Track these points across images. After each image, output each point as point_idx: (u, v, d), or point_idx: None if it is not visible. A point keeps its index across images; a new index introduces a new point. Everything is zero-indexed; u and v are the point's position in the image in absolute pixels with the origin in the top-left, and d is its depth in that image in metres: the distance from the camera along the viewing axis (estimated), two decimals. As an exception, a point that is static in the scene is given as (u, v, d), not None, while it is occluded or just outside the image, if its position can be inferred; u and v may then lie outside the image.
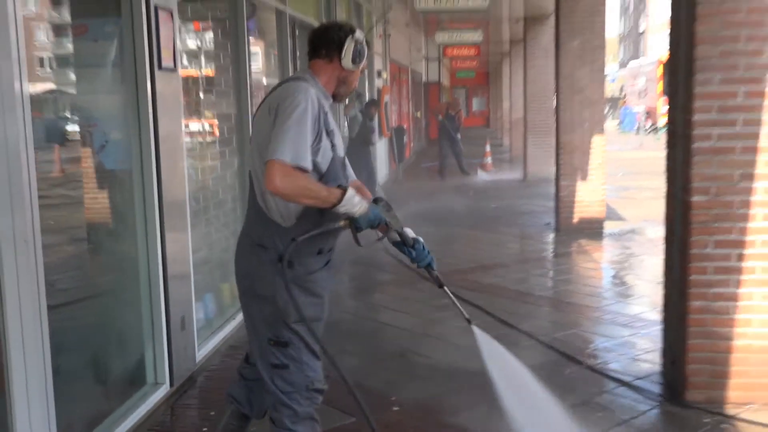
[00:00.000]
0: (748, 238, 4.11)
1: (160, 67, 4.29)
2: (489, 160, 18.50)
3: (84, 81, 4.29)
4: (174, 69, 4.51)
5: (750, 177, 4.06)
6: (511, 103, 23.01)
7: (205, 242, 5.68)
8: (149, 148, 4.24)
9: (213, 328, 5.47)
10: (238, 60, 6.14)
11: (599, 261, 8.72)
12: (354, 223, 2.84)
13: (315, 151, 2.80)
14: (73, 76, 4.32)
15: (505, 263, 8.29)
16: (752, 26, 3.98)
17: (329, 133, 2.88)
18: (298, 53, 8.81)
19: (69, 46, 4.27)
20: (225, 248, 6.08)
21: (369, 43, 3.08)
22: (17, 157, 3.00)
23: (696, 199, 4.11)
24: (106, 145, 4.25)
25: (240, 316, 5.83)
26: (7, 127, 2.96)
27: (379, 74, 15.08)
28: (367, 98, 12.41)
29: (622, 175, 16.50)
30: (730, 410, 4.15)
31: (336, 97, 3.08)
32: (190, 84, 5.76)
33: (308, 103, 2.75)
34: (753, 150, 4.05)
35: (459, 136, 17.42)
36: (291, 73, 8.00)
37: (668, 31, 4.50)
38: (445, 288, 3.17)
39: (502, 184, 15.76)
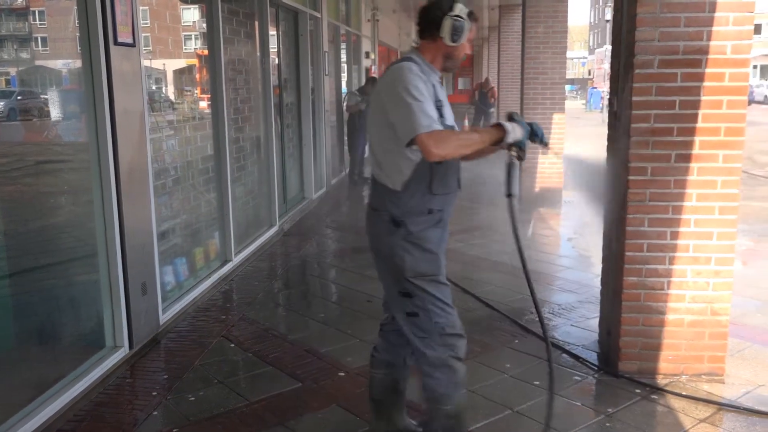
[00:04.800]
0: (683, 216, 3.67)
1: (115, 42, 3.80)
2: (467, 133, 18.15)
3: (38, 54, 3.81)
4: (133, 45, 4.01)
5: (686, 158, 3.61)
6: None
7: (180, 209, 5.24)
8: (104, 121, 3.77)
9: (183, 290, 5.05)
10: (213, 42, 5.64)
11: (555, 228, 8.30)
12: (519, 146, 2.65)
13: None
14: (25, 49, 3.84)
15: (467, 229, 7.85)
16: (692, 9, 3.50)
17: (438, 103, 2.68)
18: (281, 36, 8.30)
19: (19, 20, 3.78)
20: (200, 215, 5.66)
21: (472, 15, 2.77)
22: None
23: (633, 178, 3.67)
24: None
25: (210, 280, 5.44)
26: None
27: (367, 55, 14.50)
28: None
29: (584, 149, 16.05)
30: (661, 381, 3.77)
31: (445, 70, 2.87)
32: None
33: (414, 78, 2.61)
34: (689, 131, 3.58)
35: (492, 110, 17.72)
36: (273, 55, 7.49)
37: (613, 14, 4.01)
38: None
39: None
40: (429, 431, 2.89)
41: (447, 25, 2.70)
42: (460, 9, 2.72)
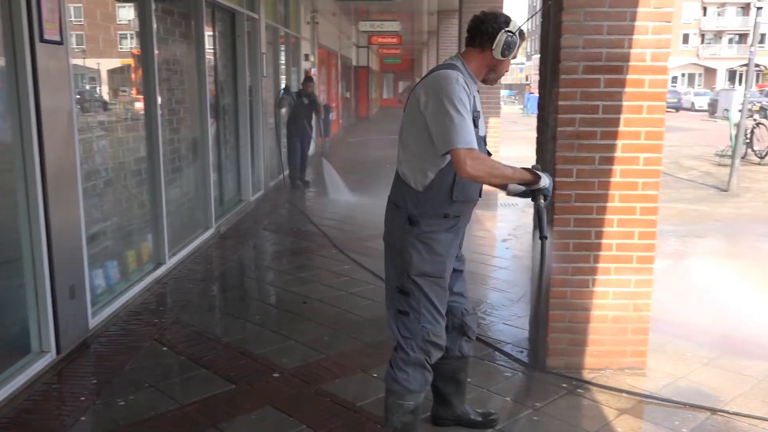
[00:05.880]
0: (606, 217, 3.82)
1: (41, 39, 3.71)
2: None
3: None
4: (61, 42, 3.92)
5: (609, 160, 3.75)
6: (428, 87, 22.76)
7: (111, 211, 5.14)
8: (29, 121, 3.67)
9: (114, 293, 4.95)
10: (146, 41, 5.56)
11: (491, 230, 8.45)
12: (545, 194, 2.86)
13: None
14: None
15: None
16: (614, 18, 3.64)
17: (475, 114, 2.76)
18: (217, 37, 8.21)
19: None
20: (133, 217, 5.56)
21: (523, 33, 2.88)
22: None
23: (559, 179, 3.79)
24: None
25: (142, 283, 5.35)
26: None
27: (307, 57, 14.47)
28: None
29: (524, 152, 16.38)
30: (587, 375, 3.90)
31: (486, 82, 2.98)
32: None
33: (458, 89, 2.65)
34: (612, 135, 3.73)
35: None
36: (209, 56, 7.41)
37: (541, 21, 4.14)
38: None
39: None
40: (387, 424, 2.93)
41: (501, 39, 2.80)
42: (513, 25, 2.83)
